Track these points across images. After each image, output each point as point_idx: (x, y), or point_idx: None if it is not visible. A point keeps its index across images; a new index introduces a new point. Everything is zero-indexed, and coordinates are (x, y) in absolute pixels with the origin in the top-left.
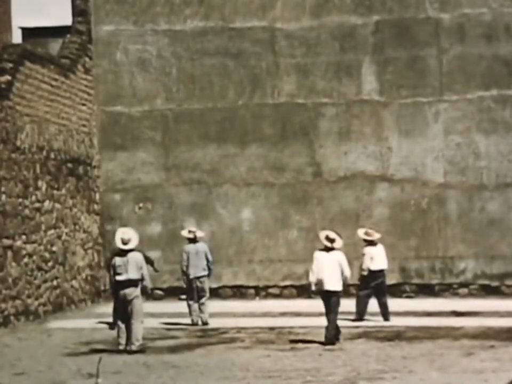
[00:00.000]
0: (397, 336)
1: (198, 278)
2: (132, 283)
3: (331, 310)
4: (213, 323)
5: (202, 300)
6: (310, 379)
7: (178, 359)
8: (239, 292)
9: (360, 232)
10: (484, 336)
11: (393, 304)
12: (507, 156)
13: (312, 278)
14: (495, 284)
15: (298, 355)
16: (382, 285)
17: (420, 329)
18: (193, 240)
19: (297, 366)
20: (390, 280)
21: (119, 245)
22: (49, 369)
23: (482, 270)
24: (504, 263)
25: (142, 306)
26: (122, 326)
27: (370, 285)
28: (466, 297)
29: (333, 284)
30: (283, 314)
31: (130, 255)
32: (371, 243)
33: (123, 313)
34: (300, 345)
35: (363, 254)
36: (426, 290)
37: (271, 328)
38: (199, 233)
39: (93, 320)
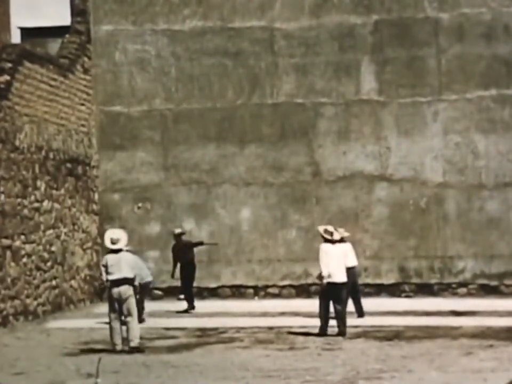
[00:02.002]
0: (396, 335)
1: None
2: (125, 282)
3: (339, 302)
4: (212, 323)
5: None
6: (309, 379)
7: (177, 359)
8: (238, 291)
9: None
10: (483, 335)
11: (392, 303)
12: (506, 156)
13: (326, 271)
14: (494, 283)
15: (297, 355)
16: (354, 282)
17: (419, 329)
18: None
19: (296, 366)
20: (389, 279)
21: (108, 244)
22: (48, 369)
23: (481, 269)
24: (503, 263)
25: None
26: (116, 326)
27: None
28: (465, 296)
29: (341, 275)
30: (282, 314)
31: (121, 254)
32: (341, 241)
33: (118, 312)
34: (299, 344)
35: None
36: (425, 289)
37: (270, 328)
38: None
39: (92, 320)
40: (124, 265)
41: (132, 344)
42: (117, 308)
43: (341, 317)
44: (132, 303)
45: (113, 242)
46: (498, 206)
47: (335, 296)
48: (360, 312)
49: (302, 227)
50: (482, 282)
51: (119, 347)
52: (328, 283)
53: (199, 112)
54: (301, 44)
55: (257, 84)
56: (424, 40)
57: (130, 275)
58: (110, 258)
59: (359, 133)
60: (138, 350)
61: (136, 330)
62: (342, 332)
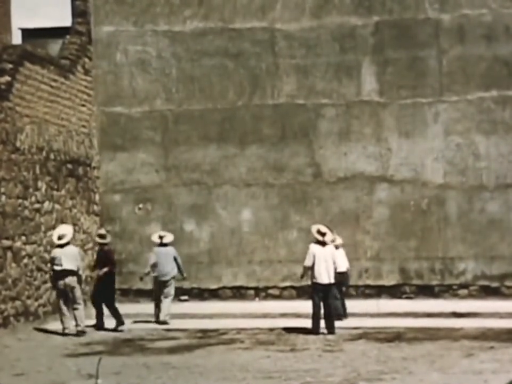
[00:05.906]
0: (397, 337)
1: (167, 280)
2: (69, 273)
3: (326, 302)
4: (213, 324)
5: (168, 300)
6: (310, 380)
7: (178, 360)
8: (238, 292)
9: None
10: (484, 337)
11: (393, 305)
12: (507, 157)
13: (306, 269)
14: (495, 284)
15: (298, 356)
16: (341, 284)
17: (419, 330)
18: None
19: (296, 367)
20: (390, 281)
21: (55, 240)
22: (49, 370)
23: (482, 270)
24: (504, 264)
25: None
26: (66, 312)
27: (340, 286)
28: (466, 298)
29: (329, 277)
30: (283, 315)
31: (66, 248)
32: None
33: (66, 300)
34: (299, 346)
35: None
36: (426, 291)
37: (271, 329)
38: (169, 238)
39: (92, 321)
40: (67, 258)
41: (79, 328)
42: (65, 296)
43: (328, 316)
44: (77, 291)
45: (59, 237)
46: (499, 207)
47: (323, 297)
48: (343, 313)
49: (302, 228)
50: (483, 283)
51: (67, 330)
52: (316, 283)
53: (199, 113)
54: (302, 45)
55: (258, 84)
56: (425, 41)
57: (72, 267)
58: (56, 250)
59: (359, 134)
60: (83, 331)
61: (81, 316)
62: (330, 331)
